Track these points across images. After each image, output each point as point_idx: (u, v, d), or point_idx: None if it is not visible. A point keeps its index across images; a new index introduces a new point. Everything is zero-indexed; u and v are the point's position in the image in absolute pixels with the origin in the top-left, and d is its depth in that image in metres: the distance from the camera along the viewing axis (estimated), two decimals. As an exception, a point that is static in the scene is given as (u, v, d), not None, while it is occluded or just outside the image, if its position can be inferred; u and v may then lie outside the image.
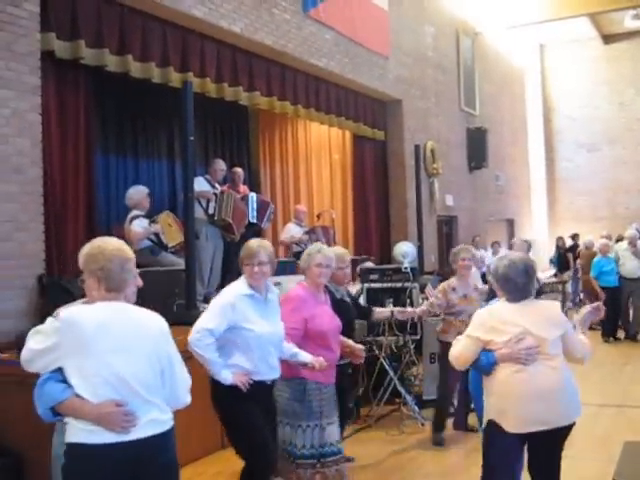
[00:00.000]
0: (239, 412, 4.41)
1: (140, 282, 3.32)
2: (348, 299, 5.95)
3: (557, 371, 4.03)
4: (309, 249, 5.12)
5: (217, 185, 9.10)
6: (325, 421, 4.84)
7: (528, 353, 4.02)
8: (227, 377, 4.33)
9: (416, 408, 7.66)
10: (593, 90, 22.48)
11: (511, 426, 4.03)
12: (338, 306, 5.40)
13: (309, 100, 11.11)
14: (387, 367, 7.87)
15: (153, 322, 3.22)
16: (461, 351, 4.25)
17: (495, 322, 4.16)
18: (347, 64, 11.56)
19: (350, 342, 5.39)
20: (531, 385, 4.01)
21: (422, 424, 7.48)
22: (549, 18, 17.97)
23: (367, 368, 7.90)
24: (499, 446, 4.11)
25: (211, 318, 4.37)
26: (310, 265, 4.95)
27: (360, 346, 5.46)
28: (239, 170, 10.37)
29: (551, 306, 4.21)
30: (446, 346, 6.81)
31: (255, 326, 4.37)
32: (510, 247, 12.28)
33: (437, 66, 15.31)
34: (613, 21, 20.51)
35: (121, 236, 8.65)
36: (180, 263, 7.74)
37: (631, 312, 12.84)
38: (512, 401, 4.04)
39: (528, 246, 8.40)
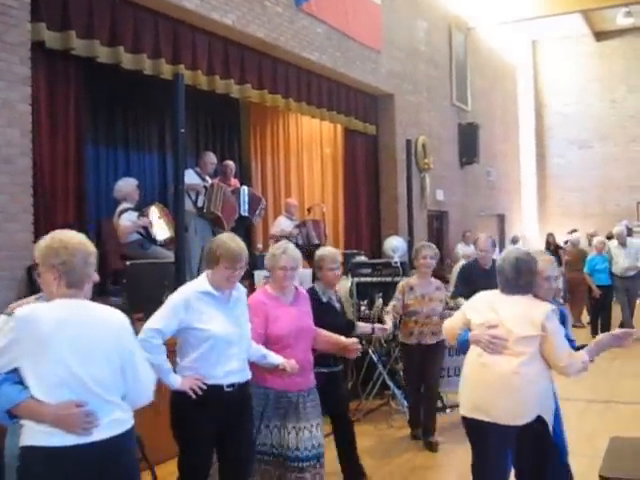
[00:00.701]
0: (184, 424, 4.17)
1: (97, 277, 3.23)
2: (337, 304, 5.76)
3: (515, 368, 4.05)
4: (273, 249, 4.88)
5: (207, 178, 9.08)
6: (291, 425, 4.63)
7: (491, 341, 4.11)
8: (175, 382, 4.07)
9: (405, 402, 7.67)
10: (585, 87, 22.51)
11: (462, 408, 4.20)
12: (320, 310, 5.26)
13: (300, 93, 11.08)
14: (376, 361, 7.89)
15: (114, 319, 3.12)
16: (451, 323, 4.51)
17: (480, 304, 4.36)
18: (339, 58, 11.54)
19: (341, 338, 5.17)
20: (485, 373, 4.13)
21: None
22: (542, 14, 17.96)
23: (356, 362, 7.91)
24: (482, 437, 4.19)
25: (160, 317, 4.10)
26: (275, 267, 4.72)
27: (353, 339, 5.21)
28: (231, 163, 10.37)
29: (537, 306, 4.16)
30: (402, 347, 7.14)
31: (211, 326, 4.08)
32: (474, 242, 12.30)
33: (429, 61, 15.29)
34: (605, 18, 20.53)
35: (110, 229, 8.67)
36: (169, 256, 7.72)
37: (624, 310, 12.73)
38: (466, 383, 4.26)
39: (512, 241, 8.35)
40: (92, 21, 7.38)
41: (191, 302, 4.09)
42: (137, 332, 5.86)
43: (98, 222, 9.49)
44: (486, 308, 4.27)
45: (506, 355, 4.06)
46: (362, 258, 9.52)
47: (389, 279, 8.23)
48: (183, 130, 7.10)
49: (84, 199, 7.82)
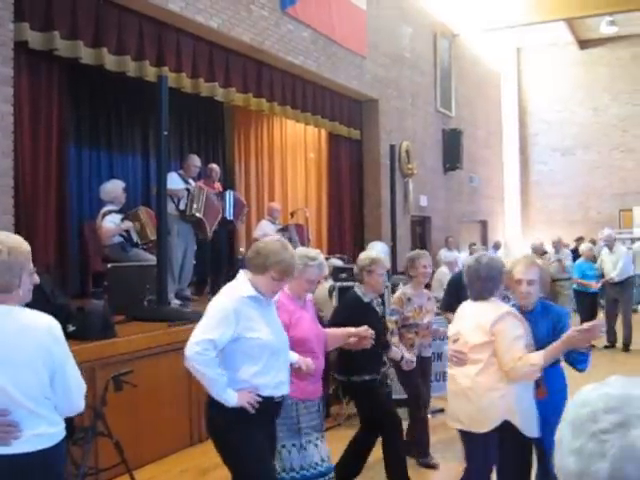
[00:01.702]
0: (244, 440, 3.73)
1: (37, 279, 3.04)
2: (378, 308, 5.53)
3: (472, 377, 4.12)
4: (304, 256, 4.40)
5: (191, 181, 9.05)
6: (305, 439, 4.35)
7: (453, 355, 4.25)
8: (231, 397, 3.64)
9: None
10: (568, 95, 22.65)
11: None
12: (362, 310, 5.18)
13: (285, 98, 11.08)
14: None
15: (40, 325, 2.91)
16: None
17: (456, 316, 4.45)
18: (324, 62, 11.55)
19: (350, 329, 4.73)
20: (452, 384, 4.29)
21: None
22: (526, 22, 18.06)
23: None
24: (465, 444, 4.26)
25: (213, 327, 3.65)
26: (302, 276, 4.34)
27: (363, 327, 4.70)
28: (215, 167, 10.35)
29: (489, 311, 4.15)
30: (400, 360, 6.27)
31: (262, 334, 3.73)
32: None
33: (414, 67, 15.34)
34: (589, 27, 20.68)
35: (92, 231, 8.64)
36: (151, 259, 7.70)
37: (611, 319, 12.18)
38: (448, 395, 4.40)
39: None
40: (76, 22, 7.34)
41: (241, 308, 3.71)
42: (115, 335, 5.87)
43: (80, 224, 9.45)
44: (456, 319, 4.39)
45: (467, 365, 4.16)
46: (338, 262, 9.48)
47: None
48: (167, 133, 7.08)
49: (66, 201, 7.79)
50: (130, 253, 8.02)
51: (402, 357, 5.77)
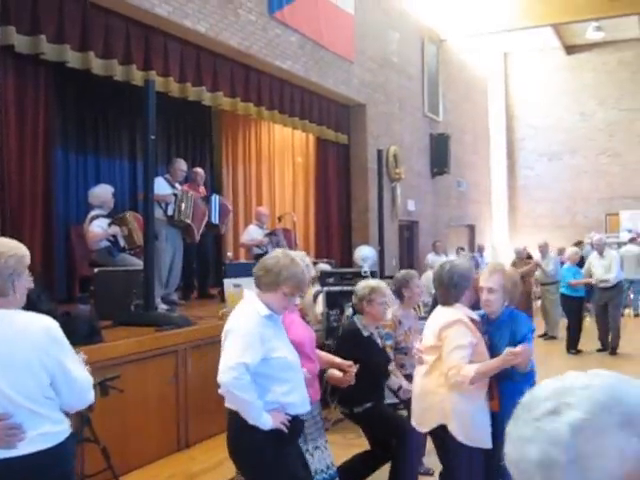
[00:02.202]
0: (279, 461, 3.68)
1: (30, 284, 3.07)
2: (379, 340, 5.37)
3: (422, 376, 4.28)
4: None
5: (177, 185, 9.03)
6: (312, 445, 4.31)
7: (415, 353, 4.42)
8: (267, 421, 3.57)
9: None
10: (555, 100, 22.75)
11: None
12: (362, 344, 5.03)
13: (273, 102, 11.07)
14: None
15: (37, 327, 2.93)
16: None
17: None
18: (312, 67, 11.56)
19: (336, 359, 4.74)
20: (412, 385, 4.51)
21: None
22: (513, 27, 18.14)
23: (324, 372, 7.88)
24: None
25: (243, 350, 3.54)
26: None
27: (349, 362, 4.64)
28: (200, 170, 10.33)
29: (445, 316, 4.22)
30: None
31: (284, 353, 3.70)
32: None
33: (401, 72, 15.37)
34: (576, 32, 20.78)
35: (79, 235, 8.61)
36: (138, 264, 7.67)
37: (602, 325, 12.19)
38: None
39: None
40: (62, 26, 7.31)
41: (262, 330, 3.64)
42: (102, 340, 5.84)
43: (67, 227, 9.42)
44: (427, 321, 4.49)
45: (422, 365, 4.33)
46: (326, 267, 9.48)
47: (359, 288, 8.21)
48: (154, 137, 7.07)
49: (52, 204, 7.76)
50: (117, 258, 7.98)
51: (400, 387, 5.55)
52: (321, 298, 8.10)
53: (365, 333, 5.17)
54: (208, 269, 10.71)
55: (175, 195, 8.68)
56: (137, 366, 6.10)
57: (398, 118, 15.13)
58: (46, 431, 2.90)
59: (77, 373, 3.04)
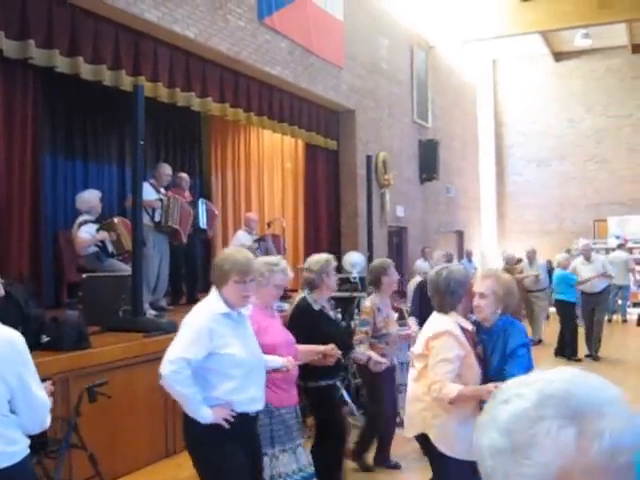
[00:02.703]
0: (222, 462, 3.78)
1: (1, 291, 2.94)
2: (331, 312, 5.49)
3: (412, 381, 4.28)
4: (267, 264, 4.55)
5: (163, 190, 9.00)
6: (278, 448, 4.39)
7: (410, 357, 4.43)
8: (207, 415, 3.69)
9: (362, 417, 7.64)
10: (543, 106, 22.85)
11: None
12: (315, 319, 5.18)
13: (262, 108, 11.08)
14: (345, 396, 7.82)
15: (1, 338, 2.77)
16: None
17: None
18: (301, 73, 11.57)
19: (319, 347, 4.90)
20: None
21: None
22: (502, 34, 18.23)
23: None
24: None
25: (187, 345, 3.69)
26: (269, 283, 4.49)
27: (330, 345, 4.88)
28: (185, 175, 10.27)
29: (436, 324, 4.17)
30: (374, 375, 6.21)
31: (235, 350, 3.78)
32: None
33: (391, 78, 15.40)
34: (564, 39, 20.89)
35: (67, 241, 8.58)
36: (126, 269, 7.65)
37: (590, 330, 12.14)
38: None
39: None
40: (51, 31, 7.30)
41: (213, 326, 3.75)
42: (90, 345, 5.82)
43: (55, 233, 9.39)
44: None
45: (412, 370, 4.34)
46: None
47: (347, 294, 8.23)
48: (143, 142, 7.06)
49: (40, 209, 7.74)
50: (105, 263, 7.96)
51: (369, 358, 5.75)
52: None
53: (316, 307, 5.24)
54: (197, 274, 10.69)
55: (161, 200, 8.65)
56: (125, 372, 6.08)
57: (387, 124, 15.16)
58: (0, 450, 2.73)
59: (38, 393, 2.88)
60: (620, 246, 18.26)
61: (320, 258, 5.46)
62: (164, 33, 8.69)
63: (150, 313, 7.78)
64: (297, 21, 11.37)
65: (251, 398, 3.88)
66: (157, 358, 6.30)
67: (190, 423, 3.77)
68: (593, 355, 11.99)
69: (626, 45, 21.19)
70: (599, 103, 22.25)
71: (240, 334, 3.89)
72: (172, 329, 6.66)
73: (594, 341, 12.06)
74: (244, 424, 3.85)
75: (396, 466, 6.49)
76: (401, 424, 7.64)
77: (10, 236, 7.09)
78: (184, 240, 8.97)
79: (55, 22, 7.36)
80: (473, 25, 17.58)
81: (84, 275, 7.63)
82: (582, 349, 12.16)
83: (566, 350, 12.03)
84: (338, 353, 4.88)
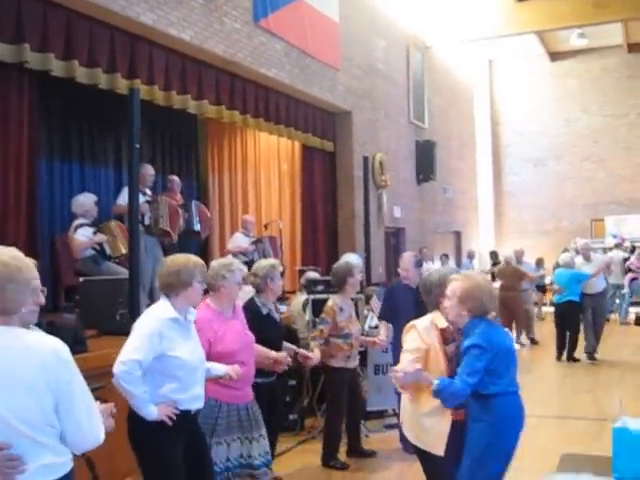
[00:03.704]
0: (158, 453, 4.12)
1: (42, 300, 2.84)
2: (276, 315, 5.85)
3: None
4: (224, 265, 4.93)
5: (147, 191, 8.94)
6: (215, 440, 4.73)
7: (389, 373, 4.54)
8: (152, 412, 4.01)
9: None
10: (540, 106, 22.88)
11: None
12: (260, 322, 5.43)
13: (258, 110, 11.07)
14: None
15: (44, 349, 2.64)
16: None
17: None
18: (297, 75, 11.57)
19: (272, 353, 5.38)
20: None
21: (366, 435, 7.48)
22: (498, 34, 18.26)
23: (312, 379, 7.89)
24: None
25: (138, 348, 4.00)
26: (229, 283, 4.83)
27: (282, 354, 5.44)
28: (175, 178, 10.20)
29: (415, 321, 4.39)
30: (333, 372, 6.59)
31: (180, 353, 4.09)
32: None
33: (387, 79, 15.41)
34: (560, 39, 20.93)
35: (64, 245, 8.56)
36: (123, 272, 7.63)
37: (589, 331, 11.95)
38: None
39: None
40: (47, 34, 7.28)
41: (163, 330, 4.05)
42: (87, 349, 5.81)
43: (52, 237, 9.37)
44: None
45: None
46: (315, 274, 9.48)
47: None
48: (138, 145, 7.05)
49: (36, 213, 7.73)
50: (102, 266, 7.93)
51: (296, 353, 6.08)
52: (309, 306, 8.10)
53: (264, 311, 5.63)
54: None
55: (149, 202, 8.57)
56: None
57: (384, 125, 15.17)
58: (48, 462, 2.63)
59: (85, 404, 2.75)
60: (617, 245, 18.28)
61: (266, 263, 5.79)
62: (160, 36, 8.68)
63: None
64: (293, 23, 11.38)
65: (193, 397, 4.18)
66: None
67: (135, 420, 4.08)
68: (591, 355, 11.88)
69: (622, 44, 21.24)
70: (595, 102, 22.30)
71: (186, 337, 4.18)
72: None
73: (594, 341, 11.93)
74: (186, 421, 4.15)
75: (371, 454, 6.84)
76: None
77: (6, 240, 7.06)
78: (175, 238, 8.95)
79: (50, 25, 7.34)
80: (469, 25, 17.59)
81: (81, 279, 7.61)
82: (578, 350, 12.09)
83: (567, 352, 11.90)
84: (289, 361, 5.43)
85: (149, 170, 9.05)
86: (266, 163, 13.76)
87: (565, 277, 11.96)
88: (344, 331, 6.49)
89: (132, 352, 3.98)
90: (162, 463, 4.13)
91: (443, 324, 4.26)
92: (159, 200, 8.70)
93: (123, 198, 8.01)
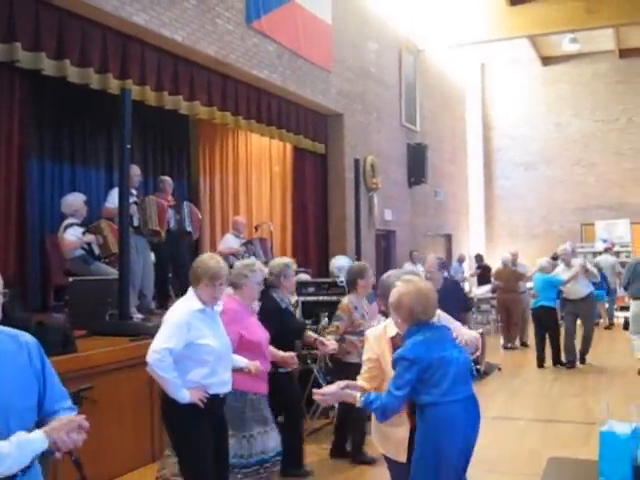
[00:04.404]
0: (191, 435, 4.45)
1: None
2: (292, 308, 6.38)
3: None
4: (246, 266, 5.31)
5: (133, 191, 8.91)
6: (248, 433, 5.09)
7: None
8: (185, 396, 4.33)
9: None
10: (531, 110, 22.94)
11: None
12: (282, 315, 5.95)
13: (250, 111, 11.08)
14: (320, 380, 7.85)
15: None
16: None
17: None
18: (289, 76, 11.58)
19: (280, 353, 5.62)
20: None
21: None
22: (490, 38, 18.30)
23: (300, 381, 7.88)
24: None
25: (169, 337, 4.35)
26: (252, 282, 5.22)
27: (290, 353, 5.67)
28: (168, 179, 10.16)
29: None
30: (348, 367, 6.43)
31: (208, 341, 4.42)
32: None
33: (379, 82, 15.44)
34: (551, 44, 20.99)
35: (54, 244, 8.54)
36: (113, 273, 7.62)
37: (570, 337, 11.71)
38: None
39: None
40: (38, 33, 7.28)
41: (191, 321, 4.40)
42: (76, 349, 5.80)
43: (42, 237, 9.35)
44: None
45: None
46: (306, 276, 9.48)
47: (335, 298, 8.22)
48: (130, 146, 7.05)
49: (27, 213, 7.72)
50: (92, 266, 7.92)
51: (315, 340, 6.36)
52: (299, 308, 8.12)
53: (283, 305, 6.15)
54: (185, 278, 10.60)
55: (136, 203, 8.53)
56: (111, 376, 6.06)
57: (375, 128, 15.19)
58: None
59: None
60: (607, 250, 18.34)
61: (280, 262, 6.31)
62: (152, 36, 8.68)
63: (137, 317, 7.75)
64: (285, 25, 11.38)
65: (221, 382, 4.52)
66: (143, 362, 6.29)
67: (169, 403, 4.40)
68: (578, 360, 11.71)
69: (613, 50, 21.31)
70: (586, 107, 22.37)
71: (213, 326, 4.53)
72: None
73: (584, 346, 11.77)
74: (214, 404, 4.47)
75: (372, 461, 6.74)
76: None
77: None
78: (163, 236, 8.93)
79: (42, 25, 7.34)
80: (462, 29, 17.63)
81: (70, 279, 7.60)
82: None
83: (553, 357, 11.76)
84: (296, 363, 5.74)
85: (136, 171, 9.01)
86: (257, 165, 13.76)
87: (539, 282, 11.89)
88: (359, 328, 6.53)
89: (163, 341, 4.33)
90: (194, 444, 4.45)
91: (392, 332, 4.07)
92: (146, 200, 8.68)
93: (112, 201, 8.00)
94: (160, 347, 4.30)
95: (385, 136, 15.70)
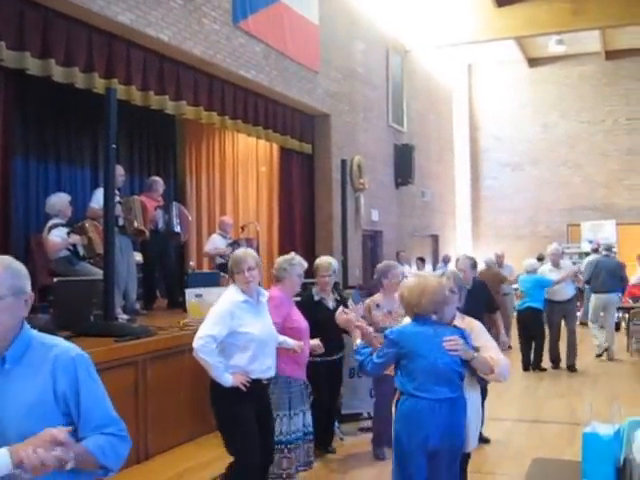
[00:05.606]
0: (235, 416, 4.83)
1: None
2: (331, 303, 6.78)
3: None
4: (289, 260, 5.79)
5: (117, 191, 8.87)
6: (292, 411, 5.60)
7: None
8: (228, 380, 4.72)
9: (335, 422, 7.64)
10: (518, 111, 23.02)
11: None
12: (312, 307, 6.56)
13: (237, 111, 11.05)
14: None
15: None
16: None
17: None
18: (276, 77, 11.56)
19: (299, 343, 5.85)
20: None
21: (341, 438, 7.50)
22: (477, 39, 18.35)
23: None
24: None
25: (213, 325, 4.77)
26: (292, 275, 5.70)
27: (315, 341, 5.91)
28: (158, 179, 10.14)
29: None
30: None
31: (251, 329, 4.82)
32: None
33: (366, 82, 15.44)
34: (538, 45, 21.07)
35: (39, 245, 8.49)
36: (98, 273, 7.58)
37: (554, 338, 11.77)
38: None
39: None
40: (23, 33, 7.23)
41: (235, 310, 4.82)
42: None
43: (27, 237, 9.30)
44: None
45: None
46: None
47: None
48: (115, 145, 7.00)
49: (11, 213, 7.66)
50: (77, 267, 7.87)
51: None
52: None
53: (316, 298, 6.80)
54: (171, 279, 10.58)
55: (120, 203, 8.49)
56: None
57: (362, 128, 15.20)
58: None
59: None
60: (594, 251, 18.39)
61: (317, 261, 7.03)
62: (138, 36, 8.64)
63: (122, 317, 7.71)
64: (272, 25, 11.36)
65: (265, 367, 4.94)
66: (128, 363, 6.29)
67: (214, 386, 4.83)
68: (567, 367, 11.63)
69: (599, 52, 21.40)
70: (572, 109, 22.46)
71: (257, 315, 4.94)
72: (143, 334, 6.61)
73: (570, 352, 11.66)
74: (257, 388, 4.86)
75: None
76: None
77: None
78: (147, 235, 8.91)
79: (27, 24, 7.29)
80: (449, 30, 17.67)
81: (55, 279, 7.55)
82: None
83: (534, 360, 11.67)
84: (321, 349, 5.93)
85: (119, 170, 8.96)
86: (244, 165, 13.75)
87: (528, 282, 11.74)
88: (380, 325, 6.54)
89: (207, 329, 4.76)
90: (238, 425, 4.82)
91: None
92: (130, 200, 8.66)
93: (97, 201, 7.96)
94: (204, 334, 4.72)
95: (372, 136, 15.71)
